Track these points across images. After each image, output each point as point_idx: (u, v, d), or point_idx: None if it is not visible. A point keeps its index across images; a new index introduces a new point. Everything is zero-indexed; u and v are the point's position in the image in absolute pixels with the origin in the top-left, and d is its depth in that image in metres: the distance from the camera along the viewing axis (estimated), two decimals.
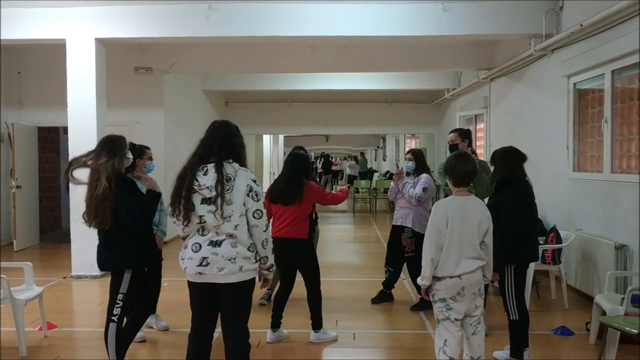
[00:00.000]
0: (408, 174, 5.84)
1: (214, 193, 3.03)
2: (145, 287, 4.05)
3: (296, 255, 4.79)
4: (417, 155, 5.86)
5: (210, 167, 3.08)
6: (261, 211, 3.13)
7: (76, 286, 7.01)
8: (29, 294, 4.72)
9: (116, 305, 3.74)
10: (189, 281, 3.25)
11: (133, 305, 4.06)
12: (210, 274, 3.10)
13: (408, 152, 5.99)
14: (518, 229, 3.97)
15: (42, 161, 10.68)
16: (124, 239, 3.70)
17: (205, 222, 3.09)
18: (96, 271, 6.87)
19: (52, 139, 11.43)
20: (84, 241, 6.94)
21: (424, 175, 5.73)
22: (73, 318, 5.82)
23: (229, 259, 3.08)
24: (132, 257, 3.76)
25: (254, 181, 3.14)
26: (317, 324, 4.79)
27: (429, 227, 3.35)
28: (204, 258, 3.09)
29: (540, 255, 5.78)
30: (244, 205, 3.08)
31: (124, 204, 3.60)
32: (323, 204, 4.92)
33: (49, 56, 9.20)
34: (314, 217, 4.93)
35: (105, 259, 3.80)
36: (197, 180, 3.07)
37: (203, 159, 3.13)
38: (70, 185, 7.36)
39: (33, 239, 9.99)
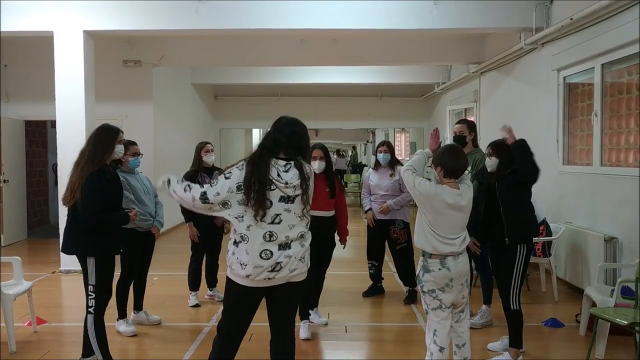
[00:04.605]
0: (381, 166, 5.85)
1: (299, 192, 2.99)
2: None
3: None
4: (391, 147, 5.93)
5: (292, 164, 3.00)
6: None
7: (65, 281, 6.95)
8: (17, 288, 4.66)
9: (89, 297, 3.66)
10: (238, 285, 3.00)
11: (110, 293, 3.93)
12: (280, 277, 2.99)
13: (383, 144, 5.88)
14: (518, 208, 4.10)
15: (29, 155, 10.56)
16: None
17: (281, 221, 2.95)
18: None
19: (39, 133, 11.31)
20: None
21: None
22: (62, 313, 5.78)
23: (299, 259, 3.03)
24: (87, 245, 3.62)
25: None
26: None
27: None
28: (278, 263, 2.96)
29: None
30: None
31: (84, 199, 3.54)
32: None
33: (36, 49, 9.05)
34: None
35: (64, 242, 3.73)
36: (279, 176, 2.94)
37: (272, 152, 2.99)
38: (58, 179, 7.32)
39: (21, 234, 9.89)
